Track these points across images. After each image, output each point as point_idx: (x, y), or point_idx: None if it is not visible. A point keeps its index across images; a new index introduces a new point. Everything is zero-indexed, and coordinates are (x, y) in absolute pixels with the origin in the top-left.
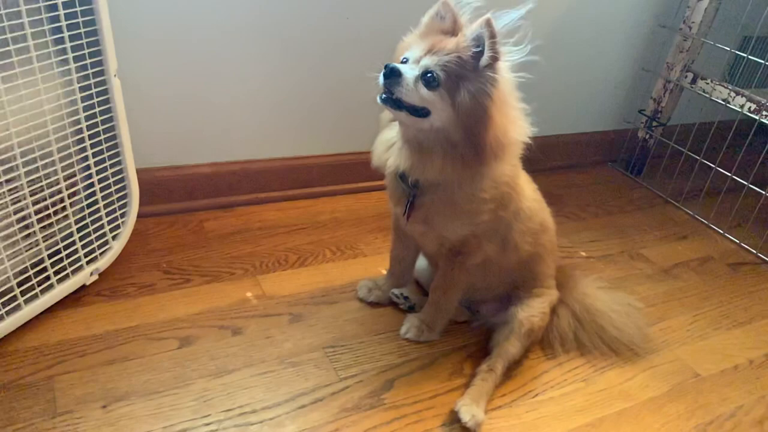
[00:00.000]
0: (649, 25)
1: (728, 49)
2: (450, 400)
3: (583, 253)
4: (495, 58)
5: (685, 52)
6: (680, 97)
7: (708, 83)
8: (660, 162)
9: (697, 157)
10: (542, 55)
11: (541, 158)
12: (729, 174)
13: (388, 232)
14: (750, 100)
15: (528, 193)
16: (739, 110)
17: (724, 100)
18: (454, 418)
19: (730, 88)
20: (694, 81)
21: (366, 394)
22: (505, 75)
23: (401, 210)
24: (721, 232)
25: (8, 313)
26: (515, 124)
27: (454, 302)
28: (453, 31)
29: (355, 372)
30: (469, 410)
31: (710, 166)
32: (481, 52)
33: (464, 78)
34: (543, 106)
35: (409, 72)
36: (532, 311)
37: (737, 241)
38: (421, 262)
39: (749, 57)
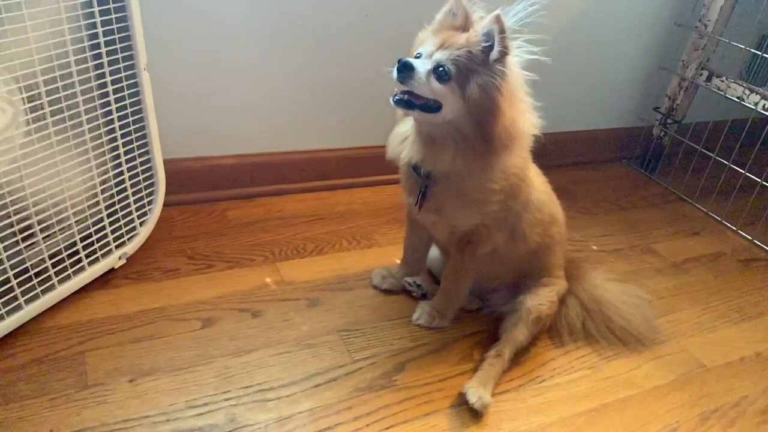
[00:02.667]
0: (665, 23)
1: (743, 47)
2: (459, 384)
3: (595, 247)
4: (504, 53)
5: (701, 50)
6: (695, 94)
7: (723, 81)
8: (674, 159)
9: (711, 155)
10: (559, 53)
11: (556, 154)
12: (743, 171)
13: (402, 224)
14: (764, 97)
15: (537, 185)
16: (754, 108)
17: (738, 98)
18: (462, 400)
19: (744, 85)
20: (709, 79)
21: (378, 375)
22: (514, 69)
23: (414, 200)
24: (734, 228)
25: (44, 292)
26: (523, 116)
27: (464, 290)
28: (465, 27)
29: (368, 354)
30: (476, 392)
31: (724, 164)
32: (491, 47)
33: (474, 71)
34: (559, 102)
35: (422, 66)
36: (540, 300)
37: (750, 238)
38: (434, 252)
39: (764, 55)
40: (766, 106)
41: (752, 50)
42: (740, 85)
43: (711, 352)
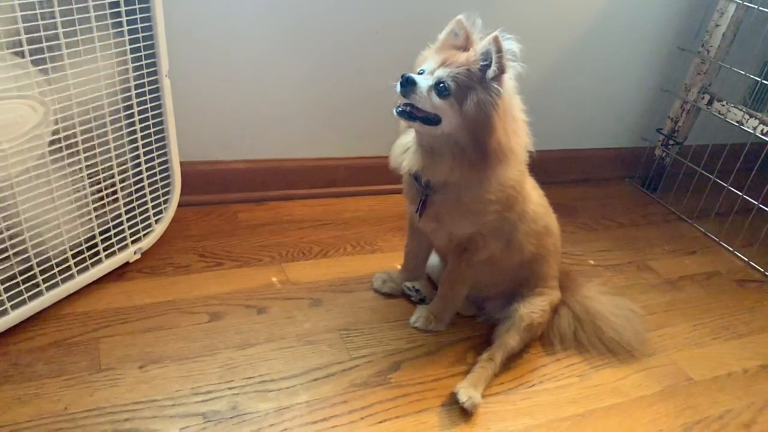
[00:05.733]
0: (669, 47)
1: (743, 72)
2: (451, 384)
3: (592, 262)
4: (500, 72)
5: (703, 74)
6: (697, 117)
7: (723, 105)
8: (675, 180)
9: (711, 177)
10: (565, 73)
11: (561, 170)
12: (740, 194)
13: (404, 232)
14: (762, 122)
15: (534, 197)
16: (752, 132)
17: (737, 122)
18: (453, 399)
19: (744, 110)
20: (710, 102)
21: (374, 373)
22: (510, 88)
23: (415, 208)
24: (731, 249)
25: (63, 281)
26: (518, 132)
27: (460, 296)
28: (465, 46)
29: (366, 353)
30: (466, 392)
31: (723, 186)
32: (489, 66)
33: (472, 88)
34: (564, 121)
35: (423, 82)
36: (532, 308)
37: (746, 259)
38: (434, 259)
39: (763, 81)
40: (764, 131)
41: (752, 76)
42: (740, 109)
43: (699, 367)
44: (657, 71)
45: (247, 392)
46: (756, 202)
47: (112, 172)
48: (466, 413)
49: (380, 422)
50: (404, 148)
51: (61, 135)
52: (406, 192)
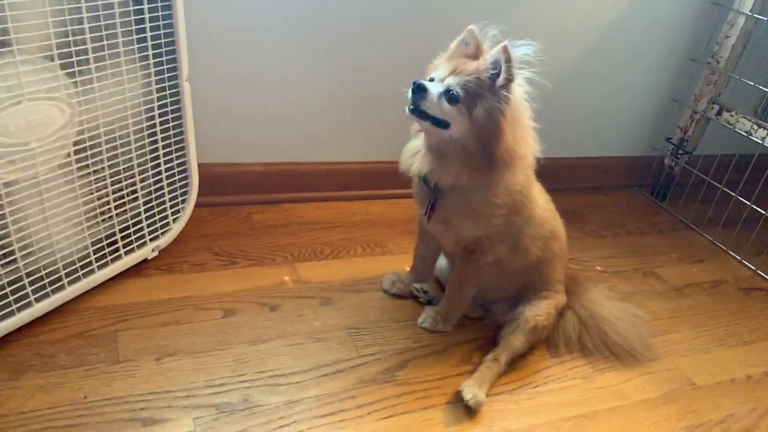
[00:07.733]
0: (679, 57)
1: (753, 83)
2: (456, 383)
3: (599, 267)
4: (509, 80)
5: (712, 85)
6: (706, 127)
7: (732, 115)
8: (684, 189)
9: (719, 186)
10: (577, 83)
11: (571, 178)
12: (748, 203)
13: (414, 235)
14: None
15: (540, 202)
16: (760, 142)
17: (746, 132)
18: (458, 397)
19: (753, 120)
20: (719, 113)
21: (382, 370)
22: (518, 96)
23: (424, 210)
24: (739, 258)
25: (84, 275)
26: (525, 139)
27: (467, 297)
28: (475, 55)
29: (374, 351)
30: (471, 390)
31: (731, 195)
32: (498, 74)
33: (481, 96)
34: (575, 130)
35: (434, 89)
36: (538, 311)
37: (753, 268)
38: (442, 262)
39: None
40: None
41: (762, 87)
42: (749, 120)
43: (702, 372)
44: (667, 81)
45: (259, 386)
46: (764, 212)
47: (133, 171)
48: (470, 411)
49: (387, 417)
50: (414, 151)
51: (86, 135)
52: (416, 195)
